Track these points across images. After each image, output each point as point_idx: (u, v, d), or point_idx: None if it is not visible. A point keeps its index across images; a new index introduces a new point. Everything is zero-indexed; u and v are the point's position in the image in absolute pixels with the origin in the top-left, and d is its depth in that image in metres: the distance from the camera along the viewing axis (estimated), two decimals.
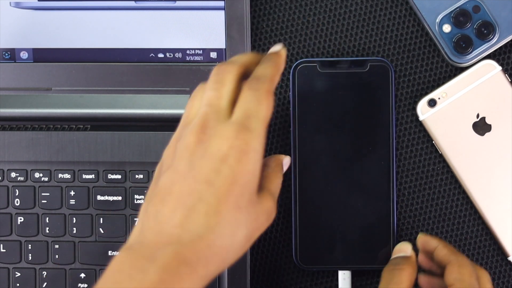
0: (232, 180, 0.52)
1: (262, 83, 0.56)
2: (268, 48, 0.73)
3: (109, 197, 0.71)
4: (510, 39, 0.70)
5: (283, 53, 0.60)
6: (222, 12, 0.71)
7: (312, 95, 0.70)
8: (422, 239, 0.68)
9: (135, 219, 0.71)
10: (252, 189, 0.54)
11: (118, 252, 0.53)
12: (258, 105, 0.55)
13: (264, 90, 0.55)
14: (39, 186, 0.71)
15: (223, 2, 0.70)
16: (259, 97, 0.55)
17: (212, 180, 0.53)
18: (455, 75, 0.72)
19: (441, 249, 0.67)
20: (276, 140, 0.73)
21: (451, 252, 0.66)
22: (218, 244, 0.52)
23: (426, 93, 0.72)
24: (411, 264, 0.66)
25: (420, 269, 0.68)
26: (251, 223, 0.54)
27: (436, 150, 0.72)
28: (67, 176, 0.71)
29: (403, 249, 0.68)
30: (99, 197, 0.71)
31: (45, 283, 0.71)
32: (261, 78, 0.56)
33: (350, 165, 0.70)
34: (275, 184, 0.58)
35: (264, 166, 0.59)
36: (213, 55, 0.72)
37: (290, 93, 0.71)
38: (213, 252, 0.52)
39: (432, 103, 0.71)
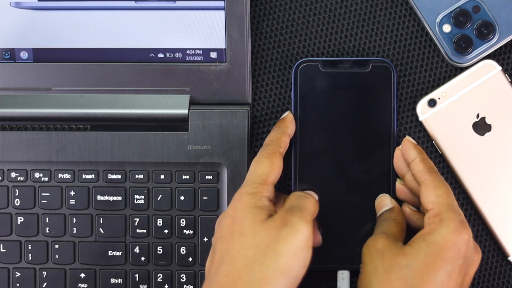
0: (231, 220, 0.61)
1: (266, 148, 0.66)
2: (268, 48, 0.73)
3: (109, 197, 0.71)
4: (510, 39, 0.70)
5: (287, 116, 0.69)
6: (222, 12, 0.71)
7: (314, 95, 0.70)
8: (405, 145, 0.68)
9: (135, 219, 0.71)
10: (252, 218, 0.61)
11: None
12: (254, 166, 0.64)
13: (266, 153, 0.65)
14: (39, 186, 0.71)
15: (223, 2, 0.70)
16: (258, 158, 0.65)
17: (217, 232, 0.63)
18: (455, 75, 0.72)
19: (417, 164, 0.66)
20: None
21: (426, 169, 0.65)
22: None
23: (426, 93, 0.72)
24: (397, 214, 0.67)
25: (397, 177, 0.69)
26: (264, 237, 0.60)
27: (436, 150, 0.72)
28: (67, 176, 0.71)
29: (384, 203, 0.68)
30: (99, 197, 0.71)
31: (45, 283, 0.71)
32: (267, 144, 0.66)
33: (351, 165, 0.70)
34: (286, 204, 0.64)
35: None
36: (213, 55, 0.72)
37: (292, 92, 0.70)
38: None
39: (432, 103, 0.71)
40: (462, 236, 0.61)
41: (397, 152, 0.69)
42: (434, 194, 0.63)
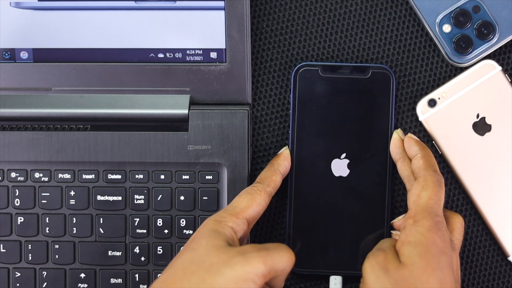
0: (190, 240, 0.62)
1: (254, 185, 0.66)
2: (268, 48, 0.73)
3: (109, 197, 0.71)
4: (510, 39, 0.71)
5: (282, 153, 0.70)
6: (222, 12, 0.71)
7: (313, 99, 0.70)
8: (408, 140, 0.69)
9: (135, 219, 0.71)
10: (208, 239, 0.60)
11: None
12: (235, 198, 0.65)
13: (251, 189, 0.65)
14: (39, 186, 0.71)
15: (223, 2, 0.70)
16: (241, 192, 0.65)
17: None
18: (455, 75, 0.72)
19: (417, 160, 0.67)
20: (276, 139, 0.73)
21: (424, 167, 0.66)
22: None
23: (426, 93, 0.72)
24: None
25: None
26: (213, 257, 0.59)
27: (436, 150, 0.72)
28: (67, 176, 0.71)
29: None
30: (99, 197, 0.71)
31: (45, 283, 0.71)
32: (257, 182, 0.67)
33: (347, 171, 0.70)
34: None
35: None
36: (213, 55, 0.72)
37: (291, 95, 0.71)
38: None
39: (432, 103, 0.71)
40: (436, 234, 0.61)
41: (395, 136, 0.69)
42: (417, 194, 0.64)
